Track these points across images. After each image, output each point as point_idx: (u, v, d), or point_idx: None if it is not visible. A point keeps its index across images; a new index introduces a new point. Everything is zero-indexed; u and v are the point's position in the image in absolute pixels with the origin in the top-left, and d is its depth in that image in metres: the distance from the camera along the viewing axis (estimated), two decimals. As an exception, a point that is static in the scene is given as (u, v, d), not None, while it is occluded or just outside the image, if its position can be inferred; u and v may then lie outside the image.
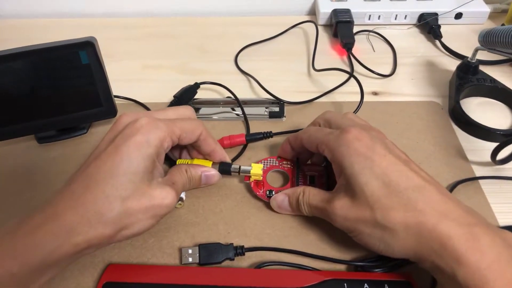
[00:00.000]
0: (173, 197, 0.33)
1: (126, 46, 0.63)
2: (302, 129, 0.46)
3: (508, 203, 0.40)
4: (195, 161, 0.41)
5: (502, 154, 0.43)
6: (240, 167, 0.40)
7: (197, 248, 0.36)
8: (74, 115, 0.47)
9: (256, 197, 0.41)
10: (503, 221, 0.39)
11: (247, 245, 0.37)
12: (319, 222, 0.38)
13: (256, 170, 0.40)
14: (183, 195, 0.40)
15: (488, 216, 0.39)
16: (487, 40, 0.47)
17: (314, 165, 0.42)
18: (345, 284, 0.33)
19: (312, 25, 0.64)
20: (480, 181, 0.42)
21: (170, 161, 0.43)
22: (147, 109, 0.52)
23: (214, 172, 0.39)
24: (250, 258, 0.36)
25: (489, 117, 0.49)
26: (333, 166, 0.35)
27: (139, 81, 0.57)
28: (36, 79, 0.44)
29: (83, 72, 0.44)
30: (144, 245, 0.38)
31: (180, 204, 0.40)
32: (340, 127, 0.35)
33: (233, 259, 0.36)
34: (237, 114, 0.50)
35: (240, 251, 0.36)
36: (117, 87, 0.49)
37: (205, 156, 0.40)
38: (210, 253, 0.36)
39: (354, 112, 0.48)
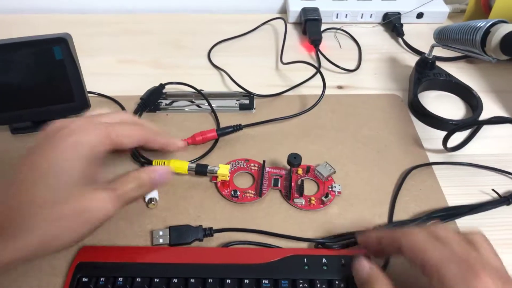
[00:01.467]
0: (109, 203, 0.31)
1: (101, 42, 0.64)
2: (272, 120, 0.49)
3: (457, 186, 0.44)
4: (172, 162, 0.43)
5: (454, 142, 0.47)
6: (207, 167, 0.43)
7: (167, 230, 0.38)
8: (47, 108, 0.48)
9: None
10: (452, 202, 0.42)
11: (215, 227, 0.39)
12: (284, 206, 0.41)
13: (223, 171, 0.42)
14: (155, 195, 0.41)
15: (440, 198, 0.43)
16: (441, 37, 0.50)
17: (279, 168, 0.45)
18: (305, 259, 0.35)
19: (282, 22, 0.67)
20: (434, 166, 0.46)
21: (147, 162, 0.45)
22: (119, 104, 0.53)
23: (164, 171, 0.36)
24: (218, 239, 0.39)
25: (444, 109, 0.52)
26: None
27: (113, 75, 0.58)
28: (10, 72, 0.45)
29: (57, 67, 0.46)
30: (115, 229, 0.39)
31: (154, 204, 0.41)
32: (467, 261, 0.27)
33: (202, 240, 0.38)
34: (208, 108, 0.52)
35: (209, 232, 0.38)
36: (91, 82, 0.51)
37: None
38: (180, 234, 0.38)
39: (315, 104, 0.51)
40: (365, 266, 0.32)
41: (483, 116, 0.51)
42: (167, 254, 0.36)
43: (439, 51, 0.57)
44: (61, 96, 0.48)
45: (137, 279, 0.34)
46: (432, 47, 0.54)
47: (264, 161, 0.45)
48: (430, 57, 0.55)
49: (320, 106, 0.51)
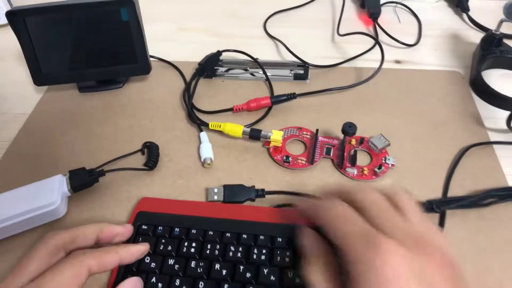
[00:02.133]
0: None
1: (161, 9, 0.66)
2: (327, 90, 0.49)
3: (520, 167, 0.42)
4: (227, 125, 0.45)
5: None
6: (261, 132, 0.43)
7: (222, 188, 0.40)
8: (112, 68, 0.50)
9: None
10: (512, 182, 0.41)
11: (267, 189, 0.40)
12: (336, 175, 0.41)
13: (276, 136, 0.43)
14: (211, 155, 0.43)
15: (499, 178, 0.41)
16: (511, 11, 0.47)
17: (331, 138, 0.45)
18: None
19: (340, -6, 0.66)
20: (495, 146, 0.44)
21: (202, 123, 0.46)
22: (178, 69, 0.55)
23: (136, 249, 0.33)
24: (270, 201, 0.40)
25: (510, 88, 0.50)
26: (344, 266, 0.26)
27: (172, 42, 0.60)
28: (78, 32, 0.47)
29: (123, 28, 0.48)
30: (173, 185, 0.41)
31: (209, 164, 0.43)
32: (385, 230, 0.26)
33: (254, 200, 0.39)
34: (263, 76, 0.53)
35: (261, 193, 0.39)
36: (151, 47, 0.53)
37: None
38: (234, 192, 0.39)
39: (372, 76, 0.50)
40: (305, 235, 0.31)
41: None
42: (221, 210, 0.37)
43: (508, 29, 0.54)
44: (125, 57, 0.50)
45: (193, 231, 0.35)
46: (501, 22, 0.51)
47: (317, 130, 0.45)
48: (497, 33, 0.52)
49: (377, 79, 0.50)
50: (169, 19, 0.64)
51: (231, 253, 0.34)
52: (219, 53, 0.54)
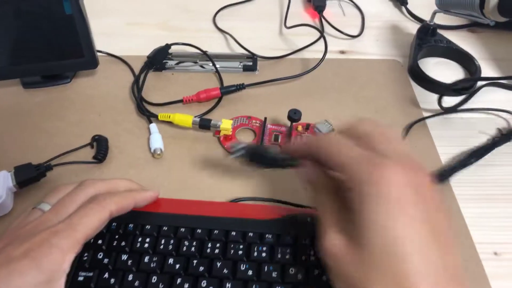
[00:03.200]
0: None
1: (110, 3, 0.66)
2: (274, 80, 0.51)
3: (451, 146, 0.45)
4: (176, 116, 0.45)
5: (449, 103, 0.48)
6: (211, 121, 0.44)
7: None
8: (57, 63, 0.50)
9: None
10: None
11: (218, 177, 0.41)
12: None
13: (226, 125, 0.44)
14: (161, 145, 0.43)
15: (434, 157, 0.44)
16: (442, 2, 0.51)
17: (279, 125, 0.46)
18: (309, 218, 0.36)
19: (287, -11, 0.68)
20: (429, 126, 0.47)
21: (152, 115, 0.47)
22: (127, 64, 0.54)
23: (149, 195, 0.36)
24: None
25: (443, 75, 0.53)
26: (348, 192, 0.27)
27: (121, 36, 0.60)
28: (20, 26, 0.46)
29: (67, 22, 0.47)
30: (124, 177, 0.41)
31: (159, 154, 0.43)
32: (379, 153, 0.27)
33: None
34: (212, 68, 0.54)
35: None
36: (100, 42, 0.52)
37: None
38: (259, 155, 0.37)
39: (316, 66, 0.52)
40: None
41: (481, 82, 0.52)
42: (176, 205, 0.37)
43: (442, 19, 0.58)
44: (71, 52, 0.49)
45: (147, 227, 0.35)
46: (434, 13, 0.55)
47: (265, 118, 0.46)
48: (431, 23, 0.56)
49: (323, 69, 0.52)
50: (118, 13, 0.64)
51: (185, 248, 0.34)
52: (167, 46, 0.54)
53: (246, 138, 0.46)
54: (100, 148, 0.43)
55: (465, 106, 0.48)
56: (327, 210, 0.29)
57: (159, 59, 0.53)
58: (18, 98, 0.50)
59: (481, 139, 0.46)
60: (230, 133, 0.45)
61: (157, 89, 0.51)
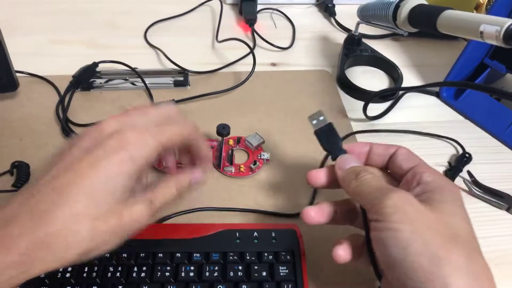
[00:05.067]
0: (145, 218, 0.29)
1: (34, 21, 0.63)
2: (205, 94, 0.51)
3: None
4: None
5: (374, 112, 0.50)
6: None
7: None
8: (-26, 86, 0.47)
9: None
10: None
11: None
12: (215, 175, 0.43)
13: None
14: None
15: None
16: (363, 13, 0.53)
17: (211, 140, 0.46)
18: (237, 233, 0.37)
19: (219, 3, 0.68)
20: (357, 135, 0.49)
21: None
22: (52, 84, 0.52)
23: (200, 174, 0.34)
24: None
25: (369, 83, 0.56)
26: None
27: (45, 55, 0.57)
28: None
29: (-19, 43, 0.45)
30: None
31: None
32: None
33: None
34: (143, 85, 0.53)
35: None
36: (21, 62, 0.50)
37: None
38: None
39: (245, 79, 0.53)
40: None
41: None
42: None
43: (367, 30, 0.61)
44: (-14, 75, 0.47)
45: None
46: (358, 24, 0.57)
47: None
48: (356, 34, 0.58)
49: (253, 82, 0.53)
50: (40, 31, 0.61)
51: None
52: (95, 64, 0.53)
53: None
54: (20, 175, 0.41)
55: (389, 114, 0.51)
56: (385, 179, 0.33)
57: (85, 78, 0.52)
58: None
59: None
60: None
61: (84, 109, 0.50)
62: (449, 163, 0.47)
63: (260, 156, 0.45)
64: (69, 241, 0.25)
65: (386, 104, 0.53)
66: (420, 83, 0.58)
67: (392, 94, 0.54)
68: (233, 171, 0.43)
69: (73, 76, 0.52)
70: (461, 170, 0.45)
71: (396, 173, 0.33)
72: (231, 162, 0.44)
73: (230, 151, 0.45)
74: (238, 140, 0.46)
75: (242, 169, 0.44)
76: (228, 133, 0.43)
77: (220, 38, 0.62)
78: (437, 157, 0.47)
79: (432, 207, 0.28)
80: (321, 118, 0.37)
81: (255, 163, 0.44)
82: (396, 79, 0.56)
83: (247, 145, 0.46)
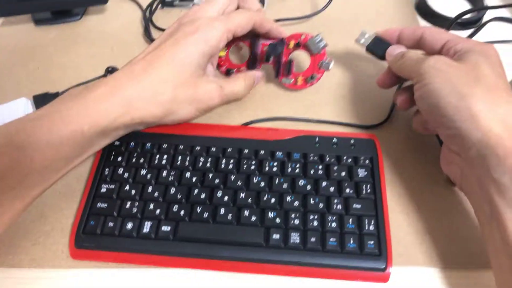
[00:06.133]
0: (216, 97, 0.37)
1: None
2: (282, 19, 0.50)
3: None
4: None
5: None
6: None
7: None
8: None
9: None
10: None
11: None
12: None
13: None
14: None
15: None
16: None
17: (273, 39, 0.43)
18: (317, 138, 0.38)
19: None
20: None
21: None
22: (135, 2, 0.55)
23: (262, 74, 0.43)
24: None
25: (452, 9, 0.53)
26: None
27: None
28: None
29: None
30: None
31: None
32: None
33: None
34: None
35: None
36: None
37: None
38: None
39: (324, 7, 0.52)
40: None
41: (488, 17, 0.53)
42: (190, 128, 0.39)
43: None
44: (81, -14, 0.50)
45: (164, 146, 0.37)
46: None
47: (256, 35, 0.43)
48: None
49: (331, 7, 0.52)
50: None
51: (200, 163, 0.36)
52: (176, -18, 0.55)
53: (239, 60, 0.47)
54: (114, 78, 0.44)
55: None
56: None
57: (168, -4, 0.54)
58: (31, 35, 0.51)
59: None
60: (224, 54, 0.44)
61: (166, 25, 0.52)
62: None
63: (321, 65, 0.42)
64: (157, 98, 0.34)
65: (467, 32, 0.51)
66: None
67: (475, 22, 0.52)
68: (290, 82, 0.43)
69: (158, -6, 0.54)
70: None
71: (432, 53, 0.35)
72: (289, 72, 0.43)
73: (288, 58, 0.43)
74: (298, 44, 0.43)
75: (299, 82, 0.43)
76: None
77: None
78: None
79: (462, 61, 0.32)
80: (367, 35, 0.41)
81: (312, 77, 0.42)
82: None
83: (309, 46, 0.42)
